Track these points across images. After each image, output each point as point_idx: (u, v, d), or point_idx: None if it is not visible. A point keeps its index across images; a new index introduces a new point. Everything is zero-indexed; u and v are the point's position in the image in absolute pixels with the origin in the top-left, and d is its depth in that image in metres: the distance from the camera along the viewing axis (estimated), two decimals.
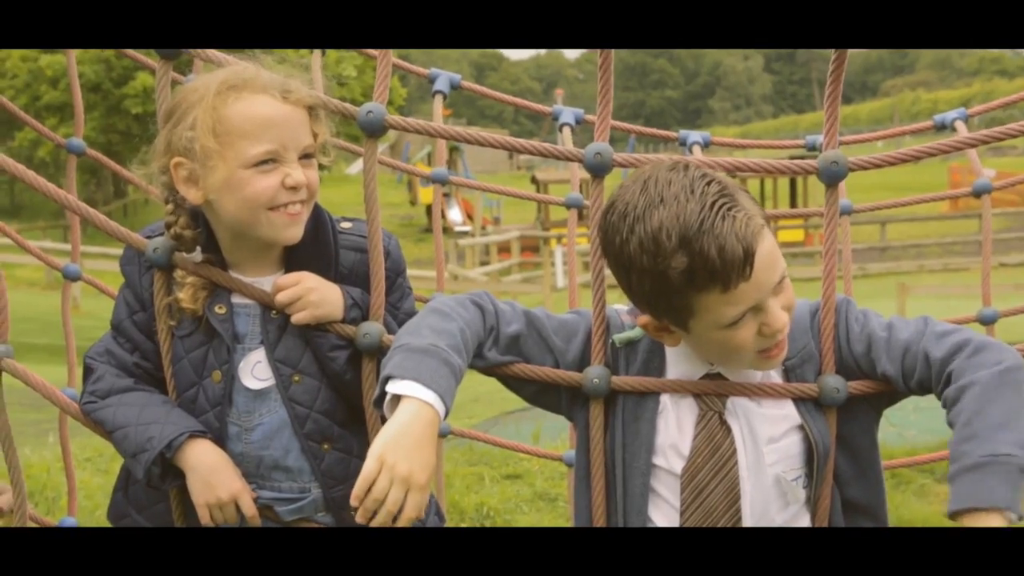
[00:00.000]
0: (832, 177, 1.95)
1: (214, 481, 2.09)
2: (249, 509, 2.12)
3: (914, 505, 5.42)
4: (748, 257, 1.73)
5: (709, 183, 1.77)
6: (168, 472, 2.10)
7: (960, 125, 3.74)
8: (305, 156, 2.07)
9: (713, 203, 1.74)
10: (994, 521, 1.68)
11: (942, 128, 3.82)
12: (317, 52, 3.59)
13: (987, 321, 3.46)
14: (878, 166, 2.02)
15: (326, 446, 2.16)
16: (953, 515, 1.72)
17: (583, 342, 2.03)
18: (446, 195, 31.46)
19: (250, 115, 2.01)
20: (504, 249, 26.93)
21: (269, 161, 2.01)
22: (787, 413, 1.95)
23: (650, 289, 1.80)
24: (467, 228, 30.96)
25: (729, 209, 1.74)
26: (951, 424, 1.79)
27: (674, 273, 1.74)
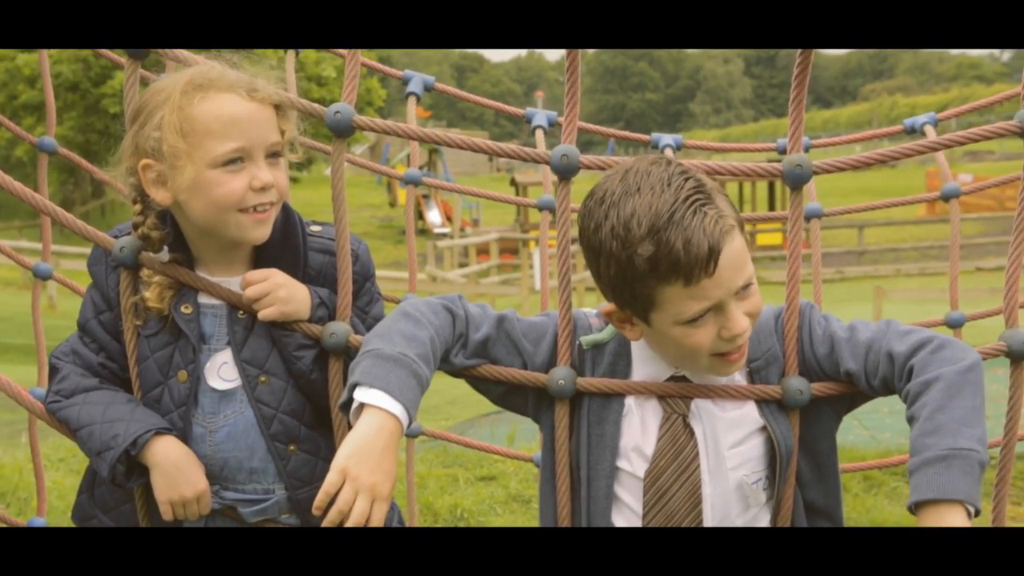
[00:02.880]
0: (796, 180, 1.95)
1: (179, 478, 2.09)
2: (206, 508, 2.13)
3: (886, 508, 5.45)
4: (713, 254, 1.75)
5: (687, 179, 1.79)
6: (133, 470, 2.10)
7: (929, 129, 3.76)
8: (272, 155, 2.07)
9: (687, 197, 1.76)
10: (955, 512, 1.69)
11: (912, 132, 3.84)
12: (291, 52, 3.59)
13: (954, 325, 3.49)
14: (841, 169, 2.03)
15: (292, 447, 2.16)
16: (914, 506, 1.73)
17: (551, 344, 2.04)
18: (425, 197, 31.47)
19: (217, 114, 2.01)
20: (483, 251, 26.92)
21: (237, 160, 2.01)
22: (750, 415, 1.96)
23: (615, 274, 1.82)
24: (446, 230, 30.95)
25: (702, 205, 1.77)
26: (913, 417, 1.81)
27: (639, 260, 1.76)
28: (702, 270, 1.75)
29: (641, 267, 1.77)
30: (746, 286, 1.83)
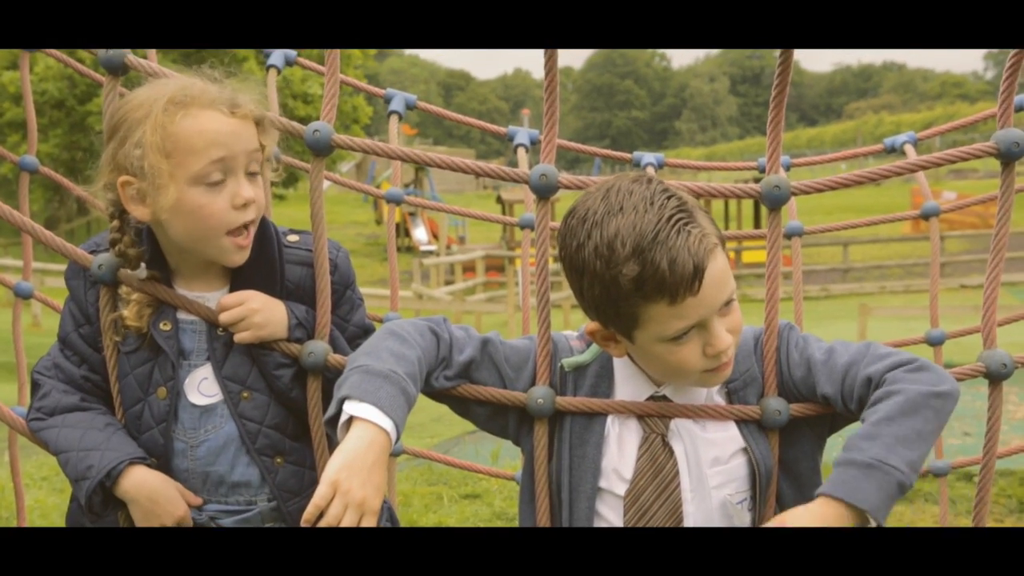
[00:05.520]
0: (774, 201, 1.96)
1: (157, 510, 2.08)
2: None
3: None
4: (698, 273, 1.75)
5: (669, 198, 1.79)
6: (110, 500, 2.09)
7: (909, 148, 3.78)
8: (251, 173, 2.05)
9: (670, 217, 1.76)
10: (856, 520, 1.73)
11: (892, 151, 3.87)
12: (272, 70, 3.59)
13: (934, 342, 3.50)
14: (819, 190, 2.04)
15: (279, 460, 2.15)
16: (820, 494, 1.76)
17: (533, 370, 2.04)
18: (411, 214, 31.49)
19: (199, 131, 1.98)
20: (469, 268, 26.89)
21: (218, 178, 1.99)
22: (731, 435, 1.96)
23: (600, 294, 1.81)
24: (432, 247, 30.95)
25: (685, 224, 1.76)
26: (863, 419, 1.82)
27: (624, 280, 1.76)
28: (687, 289, 1.75)
29: (626, 287, 1.77)
30: (728, 302, 1.83)
